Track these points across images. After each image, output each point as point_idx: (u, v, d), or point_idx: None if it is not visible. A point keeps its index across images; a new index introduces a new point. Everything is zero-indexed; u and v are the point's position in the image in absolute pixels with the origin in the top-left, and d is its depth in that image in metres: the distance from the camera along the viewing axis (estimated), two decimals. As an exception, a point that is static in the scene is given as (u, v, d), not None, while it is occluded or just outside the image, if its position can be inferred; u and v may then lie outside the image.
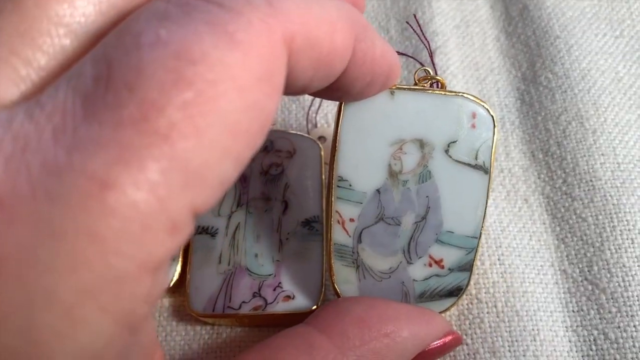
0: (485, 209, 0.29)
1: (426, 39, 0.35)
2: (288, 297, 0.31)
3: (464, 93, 0.29)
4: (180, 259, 0.33)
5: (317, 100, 0.39)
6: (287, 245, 0.33)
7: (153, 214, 0.15)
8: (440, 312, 0.30)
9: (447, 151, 0.29)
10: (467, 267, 0.30)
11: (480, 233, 0.29)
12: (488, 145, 0.29)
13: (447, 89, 0.30)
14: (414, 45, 0.40)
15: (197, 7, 0.17)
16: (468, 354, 0.30)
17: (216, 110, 0.16)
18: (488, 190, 0.29)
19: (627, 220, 0.33)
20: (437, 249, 0.30)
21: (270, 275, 0.32)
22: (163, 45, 0.16)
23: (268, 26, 0.17)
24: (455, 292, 0.30)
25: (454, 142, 0.29)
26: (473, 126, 0.29)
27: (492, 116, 0.29)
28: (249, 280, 0.32)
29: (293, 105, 0.39)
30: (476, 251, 0.29)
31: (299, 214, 0.34)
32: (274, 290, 0.32)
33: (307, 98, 0.39)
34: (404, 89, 0.29)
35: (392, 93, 0.29)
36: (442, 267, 0.30)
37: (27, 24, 0.17)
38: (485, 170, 0.29)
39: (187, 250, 0.33)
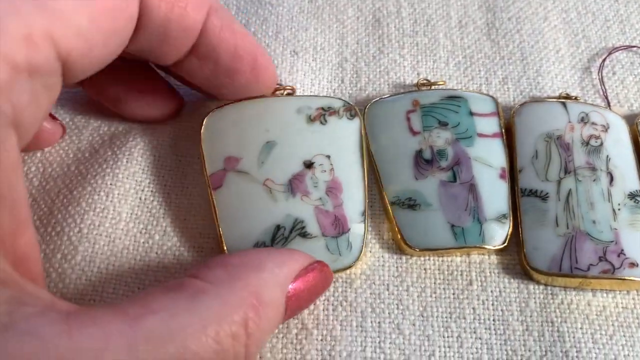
0: None
1: None
2: (633, 265, 0.32)
3: None
4: (510, 221, 0.34)
5: (607, 79, 0.40)
6: (620, 215, 0.33)
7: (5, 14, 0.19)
8: None
9: None
10: None
11: None
12: None
13: None
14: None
15: None
16: None
17: None
18: None
19: None
20: None
21: (611, 242, 0.33)
22: None
23: None
24: None
25: None
26: None
27: None
28: (592, 245, 0.32)
29: (585, 81, 0.40)
30: None
31: (623, 186, 0.34)
32: (618, 256, 0.32)
33: (597, 77, 0.40)
34: None
35: None
36: None
37: None
38: None
39: (515, 213, 0.34)
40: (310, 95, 0.35)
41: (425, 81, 0.38)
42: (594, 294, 0.33)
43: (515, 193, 0.35)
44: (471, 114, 0.36)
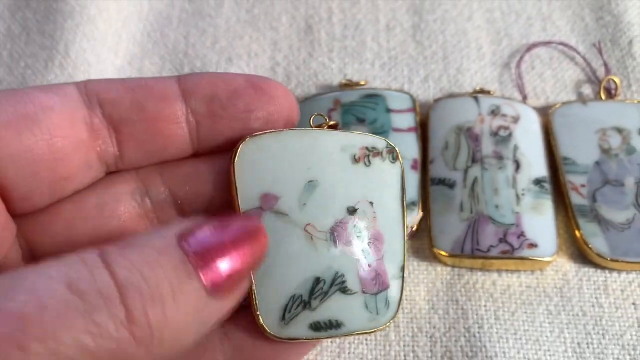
0: None
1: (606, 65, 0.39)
2: (532, 245, 0.34)
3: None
4: (419, 208, 0.36)
5: (525, 74, 0.42)
6: (524, 199, 0.35)
7: None
8: None
9: None
10: None
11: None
12: None
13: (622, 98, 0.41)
14: (610, 33, 0.43)
15: None
16: None
17: None
18: None
19: None
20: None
21: (512, 224, 0.35)
22: None
23: None
24: None
25: None
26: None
27: None
28: (493, 228, 0.35)
29: (505, 76, 0.42)
30: None
31: (529, 173, 0.36)
32: (518, 238, 0.34)
33: (515, 72, 0.42)
34: (592, 100, 0.40)
35: (584, 103, 0.39)
36: None
37: None
38: None
39: (425, 200, 0.36)
40: (353, 132, 0.30)
41: (347, 82, 0.41)
42: (500, 274, 0.35)
43: (426, 182, 0.37)
44: (388, 110, 0.39)
